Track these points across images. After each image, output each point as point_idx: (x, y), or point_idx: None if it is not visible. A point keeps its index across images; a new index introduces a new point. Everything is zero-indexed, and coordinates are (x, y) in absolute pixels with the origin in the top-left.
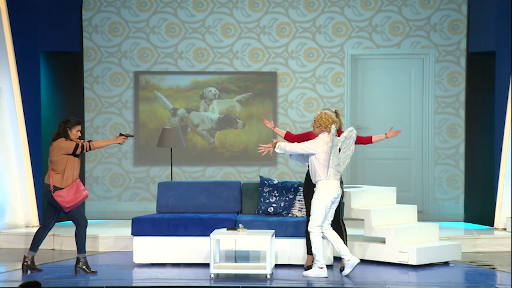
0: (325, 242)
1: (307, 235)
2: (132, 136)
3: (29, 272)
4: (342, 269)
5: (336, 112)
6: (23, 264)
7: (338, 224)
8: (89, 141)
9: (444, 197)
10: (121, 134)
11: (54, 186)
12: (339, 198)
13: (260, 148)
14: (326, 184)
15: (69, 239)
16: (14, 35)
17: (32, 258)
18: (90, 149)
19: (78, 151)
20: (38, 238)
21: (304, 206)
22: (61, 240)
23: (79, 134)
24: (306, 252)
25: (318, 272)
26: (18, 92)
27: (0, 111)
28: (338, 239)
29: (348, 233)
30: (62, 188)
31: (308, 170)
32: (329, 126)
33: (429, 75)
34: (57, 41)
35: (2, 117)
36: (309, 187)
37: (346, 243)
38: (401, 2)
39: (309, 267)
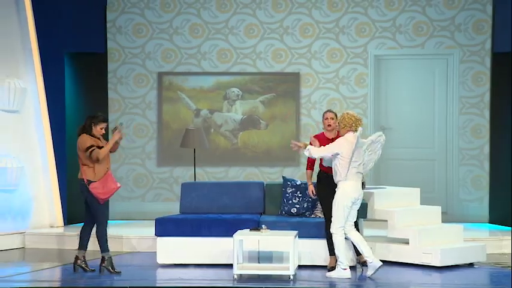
0: (348, 243)
1: (327, 236)
2: (121, 124)
3: (79, 270)
4: (359, 262)
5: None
6: (74, 264)
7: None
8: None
9: (468, 198)
10: (114, 129)
11: (87, 180)
12: (360, 199)
13: (292, 144)
14: (346, 185)
15: (94, 239)
16: (39, 36)
17: (84, 257)
18: (97, 159)
19: (88, 154)
20: (84, 236)
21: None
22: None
23: (103, 132)
24: (329, 253)
25: (342, 273)
26: (43, 92)
27: (25, 112)
28: (361, 240)
29: (371, 234)
30: (95, 181)
31: (319, 171)
32: (353, 125)
33: (453, 76)
34: (82, 42)
35: (27, 117)
36: (322, 188)
37: None
38: (425, 2)
39: (332, 268)
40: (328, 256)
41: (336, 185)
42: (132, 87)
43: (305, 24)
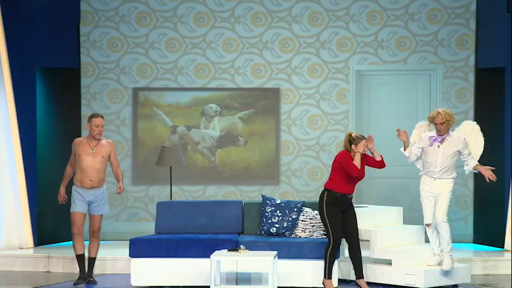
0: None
1: (326, 256)
2: None
3: None
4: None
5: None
6: None
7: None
8: None
9: (453, 217)
10: None
11: None
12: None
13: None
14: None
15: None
16: (9, 51)
17: None
18: None
19: None
20: None
21: (309, 227)
22: (58, 262)
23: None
24: (324, 276)
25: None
26: (13, 109)
27: None
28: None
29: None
30: None
31: (328, 191)
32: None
33: (437, 92)
34: (54, 56)
35: None
36: (324, 206)
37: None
38: (407, 16)
39: None
40: (312, 277)
41: (348, 206)
42: (106, 103)
43: (285, 38)
